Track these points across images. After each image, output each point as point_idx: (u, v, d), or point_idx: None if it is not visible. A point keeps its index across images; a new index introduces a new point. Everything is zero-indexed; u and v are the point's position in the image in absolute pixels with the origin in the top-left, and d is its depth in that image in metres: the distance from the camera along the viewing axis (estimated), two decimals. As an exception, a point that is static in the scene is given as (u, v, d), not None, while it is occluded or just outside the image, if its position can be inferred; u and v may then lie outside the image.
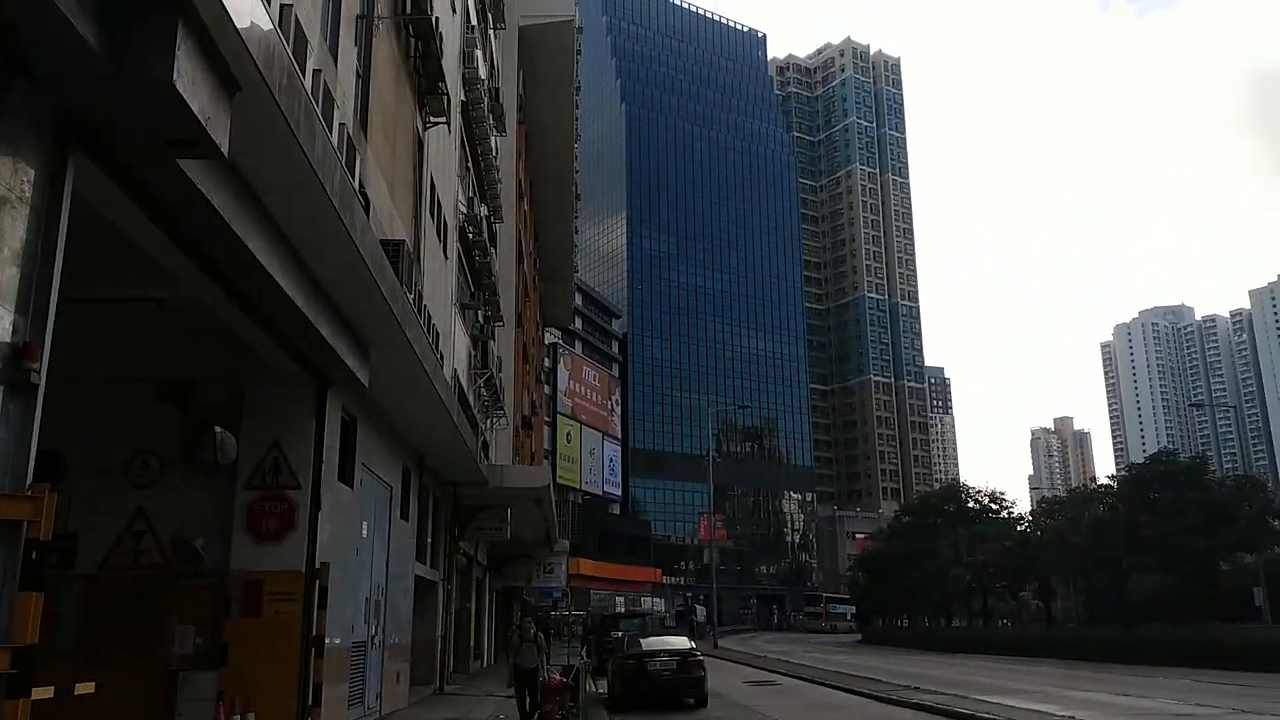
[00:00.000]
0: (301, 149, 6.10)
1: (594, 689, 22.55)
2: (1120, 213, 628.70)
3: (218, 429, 9.62)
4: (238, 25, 4.77)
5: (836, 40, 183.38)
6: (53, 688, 4.85)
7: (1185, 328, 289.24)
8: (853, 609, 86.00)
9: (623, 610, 58.18)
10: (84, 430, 9.35)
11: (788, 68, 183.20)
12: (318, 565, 9.91)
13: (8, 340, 4.42)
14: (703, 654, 21.11)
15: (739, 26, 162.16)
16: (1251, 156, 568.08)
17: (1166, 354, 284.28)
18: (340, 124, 10.05)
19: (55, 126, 4.74)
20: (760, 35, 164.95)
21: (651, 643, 20.65)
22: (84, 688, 5.65)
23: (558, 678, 15.47)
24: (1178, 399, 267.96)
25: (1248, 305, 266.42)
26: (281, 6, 7.60)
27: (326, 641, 10.05)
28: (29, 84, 4.47)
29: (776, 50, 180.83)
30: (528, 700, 15.08)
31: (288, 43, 6.31)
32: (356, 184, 9.53)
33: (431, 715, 15.87)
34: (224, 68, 4.93)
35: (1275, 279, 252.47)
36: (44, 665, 4.68)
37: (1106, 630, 40.90)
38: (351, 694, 12.16)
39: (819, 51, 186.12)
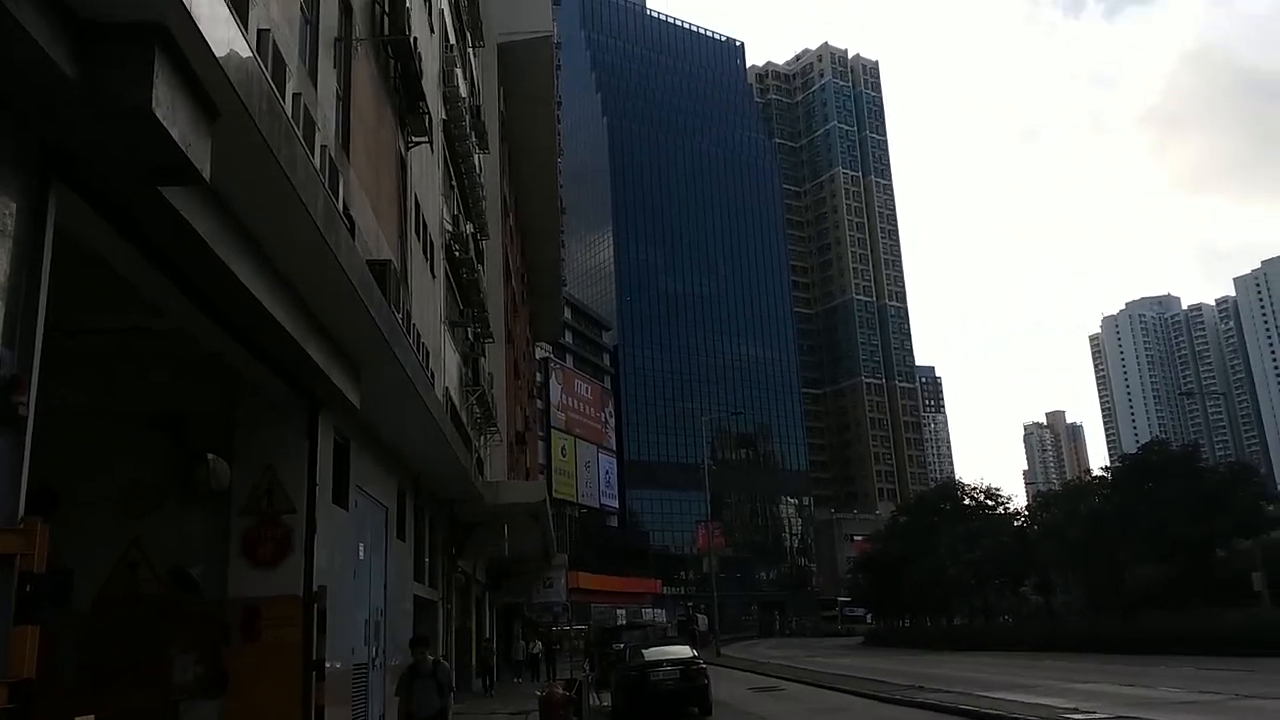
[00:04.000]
0: (284, 172, 6.11)
1: (598, 702, 22.50)
2: (1102, 205, 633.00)
3: (210, 456, 9.59)
4: (216, 52, 4.78)
5: (814, 46, 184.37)
6: (52, 722, 4.83)
7: (1172, 318, 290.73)
8: (869, 611, 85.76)
9: (624, 622, 58.02)
10: (75, 463, 9.32)
11: (767, 75, 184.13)
12: (315, 589, 9.87)
13: (-5, 374, 4.41)
14: (706, 662, 21.08)
15: (717, 36, 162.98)
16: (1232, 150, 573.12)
17: (1155, 344, 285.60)
18: (322, 146, 10.06)
19: (35, 157, 4.74)
20: (738, 44, 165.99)
21: (654, 653, 20.61)
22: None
23: (560, 692, 15.43)
24: (1168, 388, 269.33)
25: (1233, 293, 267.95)
26: (259, 32, 7.62)
27: (327, 665, 10.01)
28: (5, 114, 4.47)
29: (755, 58, 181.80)
30: None
31: (266, 67, 6.32)
32: (340, 205, 9.54)
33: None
34: (203, 94, 4.94)
35: (1259, 266, 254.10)
36: (44, 700, 4.66)
37: (1107, 622, 40.96)
38: (354, 717, 12.11)
39: (797, 58, 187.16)
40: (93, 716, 5.68)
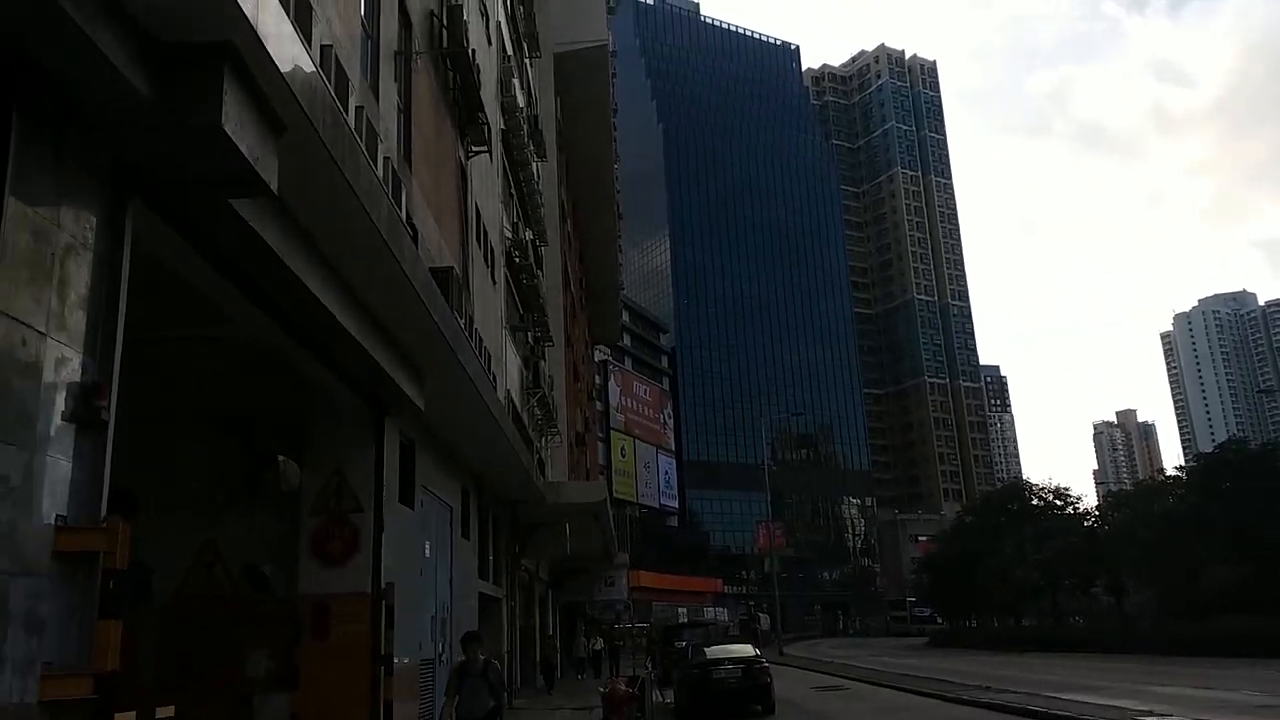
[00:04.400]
0: (348, 183, 6.30)
1: (660, 699, 22.56)
2: (1164, 202, 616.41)
3: (280, 458, 9.88)
4: (281, 69, 4.97)
5: (870, 47, 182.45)
6: (134, 712, 5.04)
7: (1248, 314, 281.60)
8: (935, 611, 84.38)
9: (686, 621, 57.98)
10: (153, 467, 9.66)
11: (823, 77, 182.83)
12: (383, 586, 10.10)
13: (78, 380, 4.65)
14: (769, 661, 21.01)
15: (772, 40, 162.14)
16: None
17: (1230, 341, 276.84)
18: (385, 157, 10.30)
19: (112, 173, 4.97)
20: (794, 48, 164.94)
21: (716, 651, 20.60)
22: (164, 711, 5.85)
23: (624, 689, 15.53)
24: (1244, 386, 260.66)
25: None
26: (322, 48, 7.85)
27: (395, 660, 10.24)
28: (84, 133, 4.70)
29: (810, 61, 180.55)
30: None
31: (330, 82, 6.53)
32: (403, 215, 9.77)
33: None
34: (270, 110, 5.14)
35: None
36: (122, 698, 4.85)
37: (1182, 624, 39.88)
38: (422, 711, 12.34)
39: (853, 60, 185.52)
40: (173, 708, 5.90)
